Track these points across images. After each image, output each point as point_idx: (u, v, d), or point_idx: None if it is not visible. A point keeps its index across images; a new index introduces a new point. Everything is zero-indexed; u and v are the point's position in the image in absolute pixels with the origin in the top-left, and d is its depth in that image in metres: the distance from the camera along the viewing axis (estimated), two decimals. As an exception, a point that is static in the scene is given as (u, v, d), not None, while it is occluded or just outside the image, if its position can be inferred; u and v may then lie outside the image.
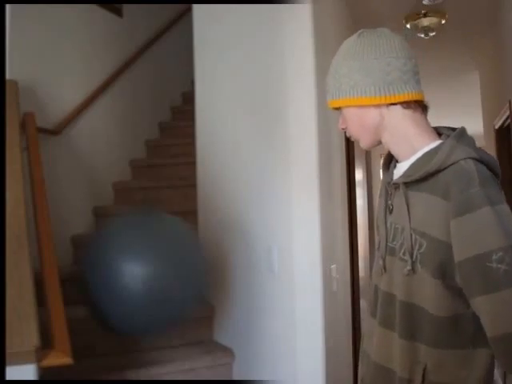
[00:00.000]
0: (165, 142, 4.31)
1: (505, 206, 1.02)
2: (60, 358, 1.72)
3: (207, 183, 2.94)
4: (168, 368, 2.50)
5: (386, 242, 1.18)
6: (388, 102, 1.12)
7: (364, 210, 5.92)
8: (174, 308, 2.01)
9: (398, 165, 1.19)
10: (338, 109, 1.21)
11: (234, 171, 2.71)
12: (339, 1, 3.09)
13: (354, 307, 3.14)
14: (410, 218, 1.10)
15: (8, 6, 2.73)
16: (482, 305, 1.00)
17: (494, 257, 0.97)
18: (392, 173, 1.21)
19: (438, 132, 1.17)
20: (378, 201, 1.33)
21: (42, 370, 1.69)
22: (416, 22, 3.68)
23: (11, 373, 1.57)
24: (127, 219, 2.16)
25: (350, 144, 3.15)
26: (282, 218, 2.36)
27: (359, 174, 4.08)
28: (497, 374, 1.38)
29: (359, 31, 1.18)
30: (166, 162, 4.03)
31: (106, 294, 1.92)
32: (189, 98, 3.97)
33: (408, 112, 1.14)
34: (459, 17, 3.68)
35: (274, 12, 2.42)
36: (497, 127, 4.13)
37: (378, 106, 1.13)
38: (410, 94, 1.12)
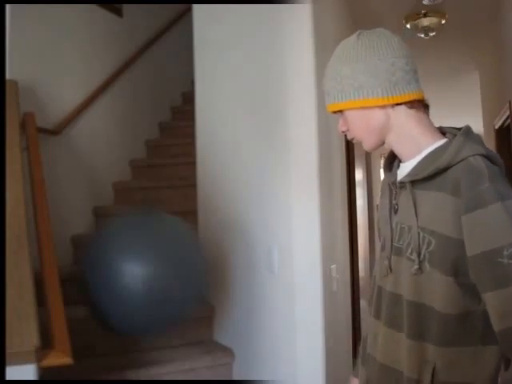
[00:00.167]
0: (165, 142, 4.31)
1: None
2: (60, 358, 1.72)
3: (207, 183, 2.94)
4: (168, 368, 2.50)
5: (392, 242, 1.17)
6: (394, 102, 1.12)
7: (364, 209, 5.92)
8: (173, 308, 2.01)
9: (402, 164, 1.19)
10: (339, 112, 1.19)
11: (233, 171, 2.71)
12: (339, 1, 3.10)
13: (354, 307, 3.14)
14: (417, 216, 1.09)
15: (8, 6, 2.73)
16: (491, 300, 1.00)
17: (505, 252, 0.97)
18: (395, 173, 1.21)
19: (442, 131, 1.18)
20: (379, 201, 1.33)
21: (42, 370, 1.69)
22: (416, 21, 3.69)
23: (11, 373, 1.57)
24: (127, 219, 2.16)
25: (349, 144, 3.15)
26: (282, 218, 2.36)
27: (359, 174, 4.08)
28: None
29: (357, 32, 1.18)
30: (165, 162, 4.03)
31: (105, 294, 1.92)
32: (189, 98, 3.97)
33: (412, 111, 1.14)
34: (459, 17, 3.68)
35: (274, 12, 2.42)
36: (497, 127, 4.13)
37: (383, 106, 1.13)
38: (413, 94, 1.12)
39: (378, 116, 1.14)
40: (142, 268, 1.90)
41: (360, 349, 1.33)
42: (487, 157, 1.07)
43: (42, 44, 3.21)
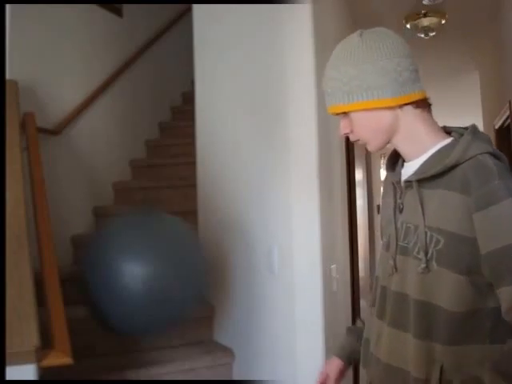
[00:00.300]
0: (165, 142, 4.31)
1: None
2: (60, 358, 1.72)
3: (207, 183, 2.94)
4: (168, 368, 2.50)
5: (397, 241, 1.17)
6: (403, 102, 1.11)
7: (364, 209, 5.91)
8: (174, 308, 2.01)
9: (407, 164, 1.18)
10: (342, 114, 1.17)
11: (234, 171, 2.71)
12: (339, 1, 3.09)
13: (354, 307, 3.14)
14: (424, 215, 1.09)
15: (8, 6, 2.73)
16: (506, 295, 1.00)
17: None
18: (399, 172, 1.20)
19: (446, 131, 1.18)
20: (381, 201, 1.32)
21: (42, 370, 1.69)
22: (416, 21, 3.69)
23: (11, 373, 1.57)
24: (127, 219, 2.16)
25: (349, 144, 3.15)
26: (282, 218, 2.36)
27: (359, 174, 4.08)
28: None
29: (357, 32, 1.16)
30: (165, 162, 4.03)
31: (106, 294, 1.92)
32: (189, 98, 3.97)
33: (418, 111, 1.14)
34: (459, 17, 3.68)
35: (274, 12, 2.42)
36: (497, 127, 4.13)
37: (391, 107, 1.12)
38: (419, 93, 1.13)
39: (386, 117, 1.13)
40: (142, 268, 1.90)
41: (361, 349, 1.32)
42: (494, 155, 1.07)
43: (42, 44, 3.21)
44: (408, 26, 3.72)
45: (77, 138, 3.47)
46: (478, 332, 1.06)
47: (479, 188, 1.02)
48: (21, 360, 1.62)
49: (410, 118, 1.14)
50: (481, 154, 1.06)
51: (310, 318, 2.26)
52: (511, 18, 3.35)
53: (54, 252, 2.11)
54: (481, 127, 5.11)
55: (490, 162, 1.05)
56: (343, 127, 1.19)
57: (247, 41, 2.64)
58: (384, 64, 1.10)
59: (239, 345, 2.65)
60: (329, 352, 2.29)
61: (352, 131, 1.18)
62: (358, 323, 1.53)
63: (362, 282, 3.51)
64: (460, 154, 1.07)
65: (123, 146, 3.97)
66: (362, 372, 1.28)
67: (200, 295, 2.15)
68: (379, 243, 1.31)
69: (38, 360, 1.65)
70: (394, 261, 1.16)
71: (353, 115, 1.15)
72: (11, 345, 1.60)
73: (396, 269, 1.16)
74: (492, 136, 4.36)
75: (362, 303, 3.44)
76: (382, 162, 6.68)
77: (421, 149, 1.14)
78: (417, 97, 1.12)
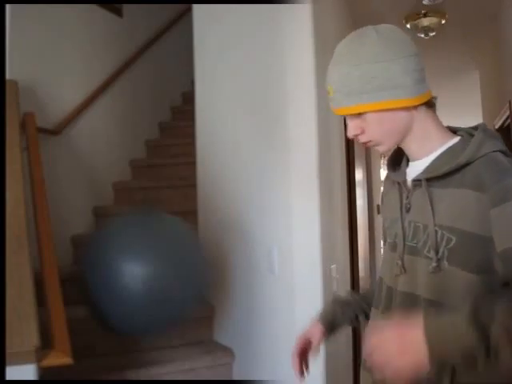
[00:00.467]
0: (165, 142, 4.31)
1: None
2: (60, 358, 1.72)
3: (207, 183, 2.94)
4: (168, 368, 2.50)
5: (404, 241, 1.15)
6: (421, 101, 1.10)
7: (364, 210, 5.90)
8: (174, 308, 2.01)
9: (412, 163, 1.17)
10: (354, 114, 1.11)
11: (234, 171, 2.71)
12: (339, 1, 3.10)
13: (354, 307, 3.13)
14: (434, 214, 1.07)
15: (8, 6, 2.73)
16: None
17: None
18: (404, 172, 1.19)
19: (451, 130, 1.17)
20: (382, 202, 1.31)
21: (42, 370, 1.69)
22: (416, 21, 3.69)
23: (11, 373, 1.57)
24: (127, 219, 2.16)
25: (349, 144, 3.15)
26: (282, 218, 2.36)
27: (359, 174, 4.07)
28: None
29: (370, 27, 1.12)
30: (165, 162, 4.03)
31: (106, 294, 1.92)
32: (189, 98, 3.97)
33: (429, 110, 1.13)
34: (459, 17, 3.68)
35: (273, 12, 2.42)
36: (497, 127, 4.13)
37: (409, 107, 1.09)
38: (429, 92, 1.12)
39: (402, 117, 1.10)
40: (142, 268, 1.90)
41: (362, 352, 1.30)
42: (504, 153, 1.07)
43: (42, 44, 3.21)
44: (408, 25, 3.72)
45: (77, 138, 3.47)
46: None
47: (494, 185, 1.01)
48: (21, 360, 1.62)
49: (423, 118, 1.12)
50: (493, 151, 1.06)
51: (309, 317, 2.25)
52: (511, 17, 3.35)
53: (54, 252, 2.11)
54: (481, 127, 5.11)
55: (503, 159, 1.04)
56: (354, 128, 1.13)
57: (247, 41, 2.64)
58: (405, 62, 1.07)
59: (239, 345, 2.65)
60: (329, 351, 2.29)
61: (364, 132, 1.13)
62: (345, 294, 1.52)
63: (361, 282, 3.51)
64: (473, 152, 1.05)
65: (123, 146, 3.98)
66: (364, 375, 1.25)
67: (200, 295, 2.15)
68: (379, 243, 1.30)
69: (38, 360, 1.65)
70: (402, 261, 1.14)
71: (369, 116, 1.10)
72: (11, 345, 1.61)
73: (404, 269, 1.13)
74: (492, 136, 4.35)
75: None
76: (382, 161, 6.67)
77: (430, 148, 1.13)
78: (428, 96, 1.11)
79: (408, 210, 1.16)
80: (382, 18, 3.65)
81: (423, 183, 1.10)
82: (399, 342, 0.92)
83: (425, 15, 3.63)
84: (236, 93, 2.72)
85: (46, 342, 1.75)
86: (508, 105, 3.57)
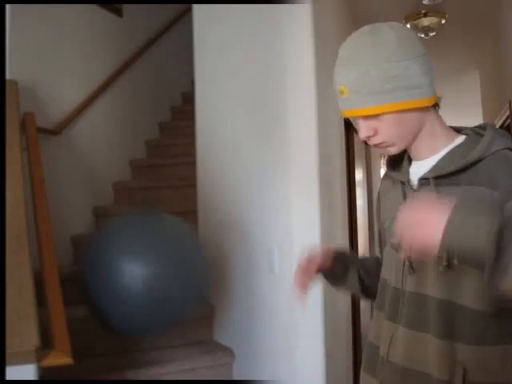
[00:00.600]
0: (165, 142, 4.31)
1: None
2: (60, 358, 1.72)
3: (207, 183, 2.94)
4: (168, 368, 2.50)
5: None
6: (434, 102, 1.10)
7: (364, 210, 5.90)
8: (174, 308, 2.01)
9: (416, 163, 1.16)
10: (371, 116, 1.08)
11: (233, 171, 2.71)
12: (339, 1, 3.10)
13: (354, 307, 3.14)
14: None
15: (8, 6, 2.73)
16: None
17: None
18: (407, 171, 1.18)
19: (455, 129, 1.17)
20: (382, 203, 1.29)
21: (42, 370, 1.69)
22: (416, 21, 3.69)
23: (11, 373, 1.57)
24: (127, 219, 2.16)
25: (349, 144, 3.15)
26: (282, 218, 2.36)
27: (359, 174, 4.07)
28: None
29: (384, 24, 1.09)
30: (165, 162, 4.03)
31: (106, 294, 1.92)
32: (189, 98, 3.97)
33: (437, 111, 1.14)
34: (459, 17, 3.68)
35: (274, 12, 2.42)
36: (497, 127, 4.12)
37: (423, 107, 1.09)
38: (437, 92, 1.13)
39: (416, 117, 1.10)
40: (142, 268, 1.90)
41: (363, 355, 1.27)
42: None
43: (42, 44, 3.21)
44: (408, 25, 3.72)
45: (77, 137, 3.47)
46: (502, 332, 1.03)
47: (508, 180, 1.01)
48: (21, 360, 1.62)
49: (433, 118, 1.12)
50: (503, 149, 1.06)
51: (309, 318, 2.26)
52: (511, 17, 3.35)
53: (54, 252, 2.11)
54: (481, 127, 5.11)
55: None
56: (367, 130, 1.10)
57: (247, 41, 2.64)
58: (422, 61, 1.07)
59: (239, 345, 2.65)
60: (329, 352, 2.29)
61: (377, 133, 1.10)
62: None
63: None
64: (485, 149, 1.06)
65: (123, 145, 3.98)
66: (364, 377, 1.22)
67: (200, 295, 2.15)
68: (383, 244, 1.27)
69: (38, 360, 1.65)
70: (410, 261, 1.12)
71: (386, 116, 1.07)
72: (11, 345, 1.61)
73: (413, 269, 1.11)
74: (492, 136, 4.35)
75: (362, 303, 3.44)
76: (382, 161, 6.66)
77: (436, 147, 1.13)
78: (437, 96, 1.12)
79: None
80: (382, 18, 3.65)
81: (431, 182, 1.09)
82: (423, 216, 0.90)
83: (425, 15, 3.63)
84: (236, 93, 2.72)
85: (46, 342, 1.75)
86: (508, 105, 3.57)
